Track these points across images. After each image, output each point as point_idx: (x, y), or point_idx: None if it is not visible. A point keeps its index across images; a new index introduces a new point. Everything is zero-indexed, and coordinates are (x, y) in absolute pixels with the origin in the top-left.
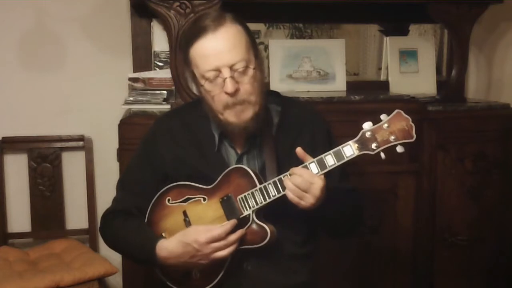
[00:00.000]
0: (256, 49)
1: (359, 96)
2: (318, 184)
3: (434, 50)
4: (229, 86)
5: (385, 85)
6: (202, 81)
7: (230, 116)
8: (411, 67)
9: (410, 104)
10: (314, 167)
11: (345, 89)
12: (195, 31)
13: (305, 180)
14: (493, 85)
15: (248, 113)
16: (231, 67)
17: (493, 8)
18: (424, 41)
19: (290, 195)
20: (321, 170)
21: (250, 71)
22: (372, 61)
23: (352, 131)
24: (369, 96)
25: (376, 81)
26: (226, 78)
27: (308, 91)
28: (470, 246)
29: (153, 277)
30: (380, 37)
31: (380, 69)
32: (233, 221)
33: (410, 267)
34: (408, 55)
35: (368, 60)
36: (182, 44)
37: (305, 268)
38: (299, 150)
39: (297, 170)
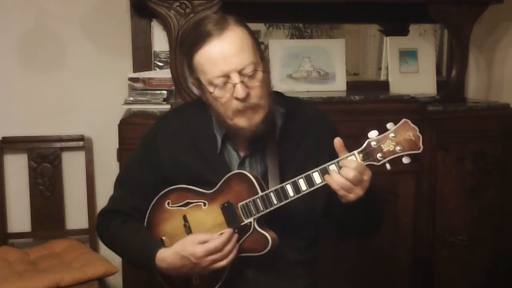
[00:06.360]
0: (261, 51)
1: (359, 96)
2: (368, 175)
3: (434, 50)
4: (240, 92)
5: (385, 85)
6: (211, 88)
7: (240, 121)
8: (411, 67)
9: (410, 104)
10: (317, 176)
11: (345, 89)
12: (198, 37)
13: (358, 173)
14: (493, 85)
15: (258, 116)
16: (240, 72)
17: (493, 8)
18: (424, 41)
19: (340, 191)
20: (324, 181)
21: (259, 74)
22: (372, 61)
23: (352, 131)
24: (369, 96)
25: (376, 81)
26: (236, 83)
27: (308, 91)
28: (470, 246)
29: (153, 279)
30: (380, 37)
31: (380, 69)
32: (229, 231)
33: (410, 267)
34: (408, 55)
35: (368, 60)
36: (184, 51)
37: (307, 273)
38: (337, 142)
39: (348, 162)
